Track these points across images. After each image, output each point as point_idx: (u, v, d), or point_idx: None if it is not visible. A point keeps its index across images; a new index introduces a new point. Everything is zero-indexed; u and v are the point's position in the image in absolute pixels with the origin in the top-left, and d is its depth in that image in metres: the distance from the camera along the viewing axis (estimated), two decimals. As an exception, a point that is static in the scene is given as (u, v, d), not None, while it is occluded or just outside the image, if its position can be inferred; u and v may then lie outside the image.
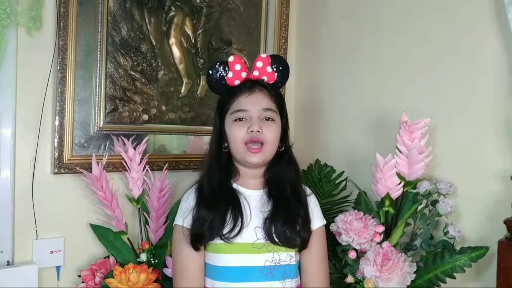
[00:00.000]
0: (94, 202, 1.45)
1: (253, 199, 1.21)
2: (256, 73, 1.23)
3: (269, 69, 1.23)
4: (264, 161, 1.20)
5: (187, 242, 1.17)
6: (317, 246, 1.24)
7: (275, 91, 1.24)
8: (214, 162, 1.22)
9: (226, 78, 1.22)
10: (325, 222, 1.28)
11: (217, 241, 1.16)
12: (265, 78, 1.23)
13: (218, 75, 1.23)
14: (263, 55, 1.24)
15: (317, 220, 1.25)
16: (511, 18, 1.27)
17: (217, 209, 1.16)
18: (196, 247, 1.17)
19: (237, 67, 1.21)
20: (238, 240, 1.15)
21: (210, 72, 1.24)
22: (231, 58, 1.21)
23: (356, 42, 1.77)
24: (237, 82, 1.22)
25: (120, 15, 1.56)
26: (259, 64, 1.22)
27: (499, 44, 1.35)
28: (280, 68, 1.25)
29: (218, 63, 1.23)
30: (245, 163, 1.20)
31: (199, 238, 1.16)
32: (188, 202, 1.21)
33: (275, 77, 1.24)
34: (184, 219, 1.19)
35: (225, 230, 1.15)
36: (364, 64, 1.74)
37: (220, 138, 1.23)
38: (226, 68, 1.22)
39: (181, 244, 1.18)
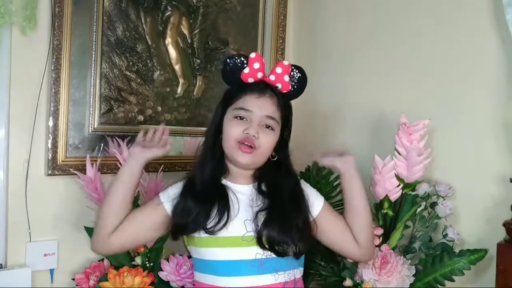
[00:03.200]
0: (89, 204, 1.43)
1: (242, 193, 1.19)
2: (272, 77, 1.20)
3: (286, 78, 1.20)
4: (252, 164, 1.18)
5: (154, 208, 1.17)
6: (331, 222, 1.23)
7: (285, 101, 1.21)
8: (209, 155, 1.20)
9: (242, 72, 1.20)
10: (323, 198, 1.25)
11: (202, 234, 1.14)
12: (279, 85, 1.20)
13: (235, 66, 1.20)
14: (285, 62, 1.20)
15: (317, 203, 1.23)
16: (509, 20, 1.27)
17: (204, 203, 1.15)
18: (175, 237, 1.17)
19: (256, 65, 1.18)
20: (224, 234, 1.13)
21: (228, 60, 1.21)
22: (253, 55, 1.19)
23: (354, 43, 1.76)
24: (251, 80, 1.20)
25: (116, 15, 1.54)
26: (278, 70, 1.19)
27: (498, 45, 1.35)
28: (298, 81, 1.22)
29: (238, 55, 1.21)
30: (234, 161, 1.18)
31: (182, 229, 1.15)
32: (178, 187, 1.20)
33: (290, 88, 1.21)
34: (168, 200, 1.18)
35: (210, 224, 1.13)
36: (362, 65, 1.73)
37: (217, 130, 1.21)
38: (245, 62, 1.20)
39: (150, 207, 1.19)
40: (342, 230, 1.23)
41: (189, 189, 1.18)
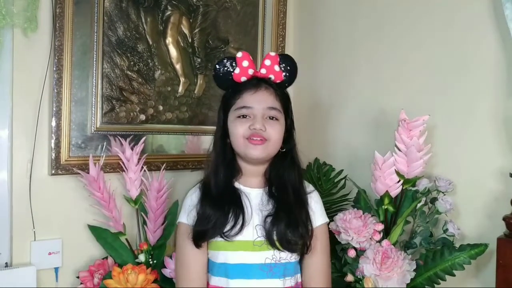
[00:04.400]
0: (92, 203, 1.45)
1: (254, 197, 1.21)
2: (263, 71, 1.22)
3: (276, 68, 1.22)
4: (266, 157, 1.19)
5: (190, 239, 1.17)
6: (317, 244, 1.22)
7: (281, 90, 1.23)
8: (220, 159, 1.22)
9: (232, 73, 1.21)
10: (327, 220, 1.27)
11: (218, 239, 1.16)
12: (272, 76, 1.22)
13: (225, 70, 1.22)
14: (272, 53, 1.23)
15: (318, 218, 1.24)
16: (508, 15, 1.27)
17: (221, 209, 1.16)
18: (197, 245, 1.17)
19: (245, 63, 1.20)
20: (239, 238, 1.16)
21: (218, 66, 1.23)
22: (239, 54, 1.21)
23: (354, 40, 1.77)
24: (243, 78, 1.21)
25: (116, 15, 1.55)
26: (267, 62, 1.22)
27: (497, 41, 1.35)
28: (288, 68, 1.24)
29: (226, 58, 1.23)
30: (246, 157, 1.19)
31: (202, 235, 1.16)
32: (192, 199, 1.21)
33: (283, 76, 1.23)
34: (187, 216, 1.20)
35: (226, 229, 1.15)
36: (362, 62, 1.73)
37: (224, 133, 1.22)
38: (234, 64, 1.21)
39: (185, 242, 1.19)
40: (314, 260, 1.22)
41: (206, 196, 1.20)
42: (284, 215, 1.17)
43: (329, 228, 1.37)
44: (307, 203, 1.23)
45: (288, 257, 1.18)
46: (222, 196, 1.18)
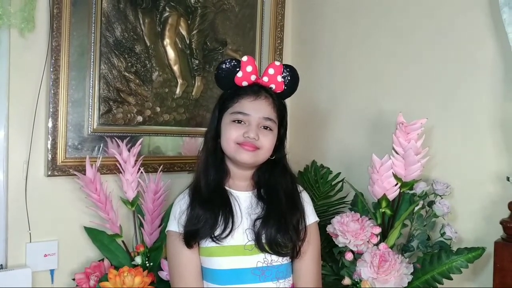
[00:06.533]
0: (88, 204, 1.44)
1: (243, 200, 1.21)
2: (265, 79, 1.21)
3: (279, 78, 1.22)
4: (254, 163, 1.20)
5: (183, 245, 1.16)
6: (308, 246, 1.22)
7: (280, 101, 1.23)
8: (211, 159, 1.21)
9: (235, 76, 1.21)
10: (317, 219, 1.27)
11: (209, 244, 1.16)
12: (273, 86, 1.22)
13: (228, 71, 1.21)
14: (277, 63, 1.22)
15: (309, 217, 1.24)
16: (505, 19, 1.27)
17: (211, 210, 1.16)
18: (189, 245, 1.16)
19: (249, 68, 1.20)
20: (231, 242, 1.15)
21: (221, 66, 1.22)
22: (244, 58, 1.20)
23: (352, 42, 1.77)
24: (244, 83, 1.21)
25: (114, 16, 1.54)
26: (270, 71, 1.21)
27: (494, 44, 1.35)
28: (290, 80, 1.24)
29: (230, 59, 1.22)
30: (235, 160, 1.19)
31: (193, 235, 1.16)
32: (181, 206, 1.20)
33: (283, 87, 1.23)
34: (177, 223, 1.19)
35: (217, 232, 1.15)
36: (361, 64, 1.73)
37: (216, 133, 1.22)
38: (237, 66, 1.21)
39: (177, 245, 1.18)
40: (304, 260, 1.21)
41: (196, 197, 1.19)
42: (274, 218, 1.16)
43: (326, 230, 1.37)
44: (302, 211, 1.22)
45: (280, 259, 1.18)
46: (212, 198, 1.18)
